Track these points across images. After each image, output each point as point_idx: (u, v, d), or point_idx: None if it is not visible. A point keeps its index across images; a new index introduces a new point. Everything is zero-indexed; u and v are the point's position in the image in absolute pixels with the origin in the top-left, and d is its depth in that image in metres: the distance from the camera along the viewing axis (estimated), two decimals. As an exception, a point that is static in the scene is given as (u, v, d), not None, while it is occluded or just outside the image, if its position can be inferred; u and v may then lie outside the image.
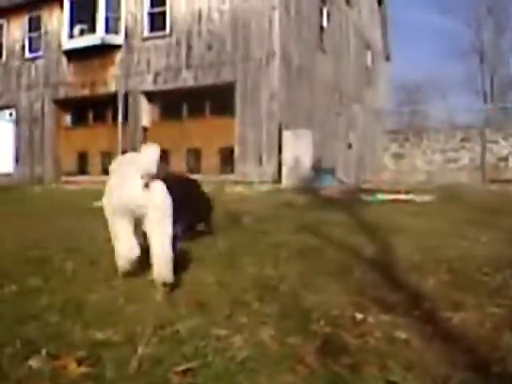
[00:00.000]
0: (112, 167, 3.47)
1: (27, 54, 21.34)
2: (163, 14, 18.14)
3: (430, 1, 62.33)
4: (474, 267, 3.71)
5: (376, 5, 26.36)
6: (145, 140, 18.66)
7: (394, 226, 5.92)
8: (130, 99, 18.74)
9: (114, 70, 19.11)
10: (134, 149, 17.75)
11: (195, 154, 17.96)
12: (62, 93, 20.47)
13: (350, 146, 21.13)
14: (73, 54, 19.79)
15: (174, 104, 18.67)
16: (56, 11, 20.34)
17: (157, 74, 18.21)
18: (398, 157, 25.08)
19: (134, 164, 3.11)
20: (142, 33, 18.53)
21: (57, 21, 20.30)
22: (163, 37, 18.09)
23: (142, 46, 18.54)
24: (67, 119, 21.48)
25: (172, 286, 3.00)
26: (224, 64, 16.87)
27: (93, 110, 20.65)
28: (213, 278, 3.35)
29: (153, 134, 18.62)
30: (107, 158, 19.20)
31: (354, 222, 6.62)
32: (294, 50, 17.17)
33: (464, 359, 2.03)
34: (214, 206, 5.64)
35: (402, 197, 10.73)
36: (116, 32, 18.89)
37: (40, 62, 20.97)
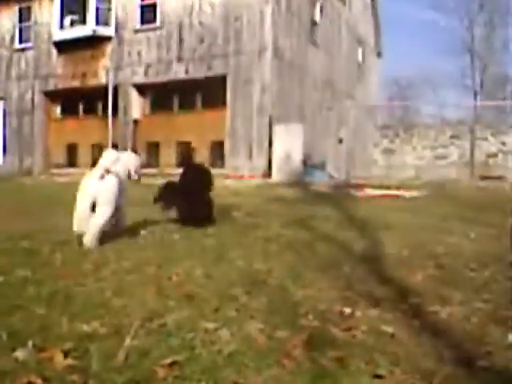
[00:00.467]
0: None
1: (17, 45, 21.15)
2: (154, 6, 18.04)
3: (423, -4, 62.27)
4: (461, 263, 3.73)
5: (369, 0, 26.36)
6: (135, 133, 18.61)
7: (383, 222, 5.94)
8: (121, 91, 18.64)
9: (105, 62, 19.00)
10: (125, 142, 17.71)
11: (186, 147, 17.91)
12: (52, 84, 20.32)
13: (340, 141, 21.14)
14: (63, 45, 19.64)
15: (164, 97, 18.60)
16: (46, 2, 20.16)
17: (148, 67, 18.13)
18: (388, 152, 25.13)
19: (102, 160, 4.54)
20: (133, 25, 18.42)
21: (47, 11, 20.12)
22: (154, 29, 17.99)
23: (133, 38, 18.43)
24: (57, 111, 21.33)
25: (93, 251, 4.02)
26: (215, 57, 16.82)
27: (83, 101, 20.51)
28: (201, 271, 3.35)
29: (143, 127, 18.56)
30: (97, 150, 19.13)
31: (344, 217, 6.63)
32: (286, 44, 17.14)
33: (451, 353, 2.04)
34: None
35: (392, 192, 10.76)
36: (107, 24, 18.76)
37: (30, 53, 20.80)
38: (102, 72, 19.04)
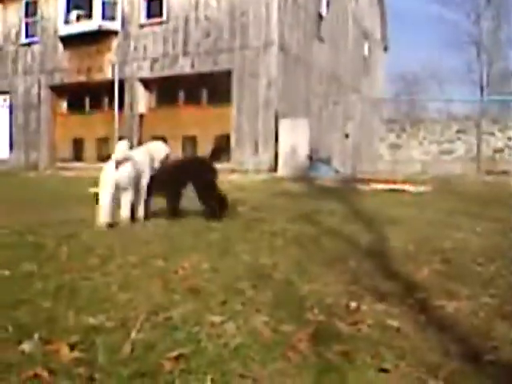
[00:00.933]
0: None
1: (23, 40, 21.18)
2: (160, 0, 18.00)
3: (430, -10, 61.87)
4: (468, 258, 3.72)
5: (375, -7, 26.25)
6: (141, 127, 18.61)
7: (389, 216, 5.93)
8: (127, 86, 18.65)
9: (111, 57, 19.00)
10: (131, 136, 17.72)
11: (191, 142, 17.90)
12: (57, 79, 20.35)
13: (346, 135, 21.11)
14: (69, 40, 19.64)
15: (170, 91, 18.58)
16: (52, -4, 20.16)
17: (154, 61, 18.11)
18: (394, 147, 25.07)
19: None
20: (139, 19, 18.40)
21: (53, 6, 20.12)
22: (160, 23, 17.96)
23: (139, 33, 18.42)
24: (63, 105, 21.36)
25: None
26: (221, 51, 16.78)
27: (89, 96, 20.52)
28: (207, 264, 3.35)
29: (149, 121, 18.56)
30: (103, 144, 19.16)
31: (350, 211, 6.62)
32: (292, 39, 17.08)
33: (457, 348, 2.04)
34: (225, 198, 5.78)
35: (398, 187, 10.73)
36: (113, 18, 18.74)
37: (36, 48, 20.82)
38: (108, 66, 19.05)
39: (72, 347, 1.96)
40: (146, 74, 18.35)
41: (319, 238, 4.45)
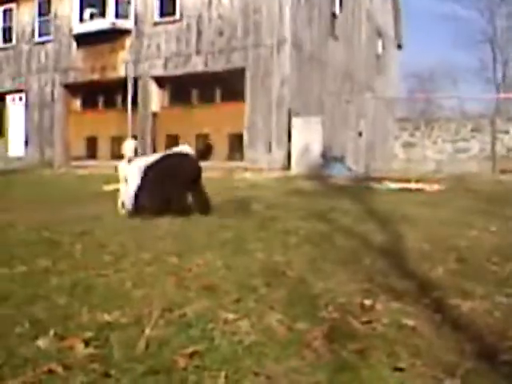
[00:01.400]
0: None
1: (37, 38, 21.32)
2: (173, -2, 18.04)
3: (444, -12, 61.40)
4: (483, 257, 3.69)
5: (389, -9, 26.10)
6: (154, 125, 18.67)
7: (403, 215, 5.89)
8: (140, 84, 18.71)
9: (124, 55, 19.08)
10: (144, 134, 17.77)
11: (204, 140, 17.92)
12: (71, 77, 20.47)
13: (360, 134, 21.01)
14: (83, 39, 19.74)
15: (183, 89, 18.62)
16: (66, -5, 20.28)
17: (167, 59, 18.16)
18: (408, 146, 24.92)
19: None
20: (152, 18, 18.45)
21: (67, 4, 20.23)
22: (173, 22, 18.00)
23: (152, 31, 18.47)
24: (77, 103, 21.49)
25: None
26: (234, 50, 16.78)
27: (103, 94, 20.64)
28: (221, 262, 3.35)
29: (162, 120, 18.62)
30: (117, 142, 19.23)
31: (364, 210, 6.59)
32: (305, 37, 17.04)
33: (472, 347, 2.02)
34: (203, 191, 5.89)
35: (412, 186, 10.67)
36: (126, 16, 18.81)
37: (50, 46, 20.95)
38: (122, 65, 19.13)
39: (87, 343, 1.97)
40: (159, 72, 18.40)
41: (333, 237, 4.44)
